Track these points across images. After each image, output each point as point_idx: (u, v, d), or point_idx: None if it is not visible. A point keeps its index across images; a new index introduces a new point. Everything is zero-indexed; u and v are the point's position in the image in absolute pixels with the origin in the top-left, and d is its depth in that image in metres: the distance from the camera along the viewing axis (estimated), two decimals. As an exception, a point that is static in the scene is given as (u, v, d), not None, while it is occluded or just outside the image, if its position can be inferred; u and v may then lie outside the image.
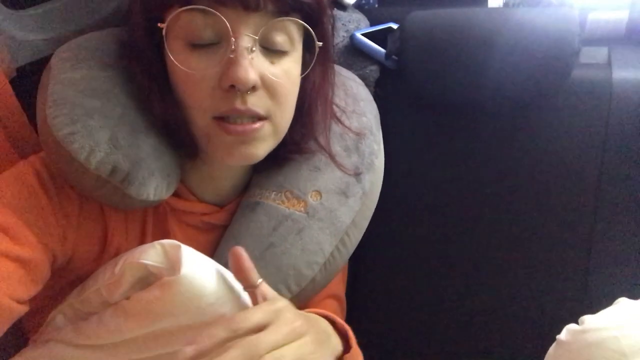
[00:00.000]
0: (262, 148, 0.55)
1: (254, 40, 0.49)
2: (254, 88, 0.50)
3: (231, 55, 0.49)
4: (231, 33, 0.48)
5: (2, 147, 0.60)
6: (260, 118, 0.53)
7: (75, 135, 0.49)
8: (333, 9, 0.63)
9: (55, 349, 0.52)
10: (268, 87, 0.52)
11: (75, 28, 0.67)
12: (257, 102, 0.51)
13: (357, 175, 0.64)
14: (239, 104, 0.50)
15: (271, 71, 0.51)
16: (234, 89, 0.49)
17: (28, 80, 0.60)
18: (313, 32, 0.53)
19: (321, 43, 0.55)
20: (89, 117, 0.50)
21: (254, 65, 0.49)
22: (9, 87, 0.61)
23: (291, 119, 0.57)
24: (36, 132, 0.61)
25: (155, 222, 0.59)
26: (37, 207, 0.51)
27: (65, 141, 0.49)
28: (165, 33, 0.51)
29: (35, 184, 0.52)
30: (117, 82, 0.54)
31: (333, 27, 0.62)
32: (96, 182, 0.51)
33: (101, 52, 0.55)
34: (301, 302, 0.62)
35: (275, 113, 0.53)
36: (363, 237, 0.66)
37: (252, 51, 0.49)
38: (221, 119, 0.52)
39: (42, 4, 0.68)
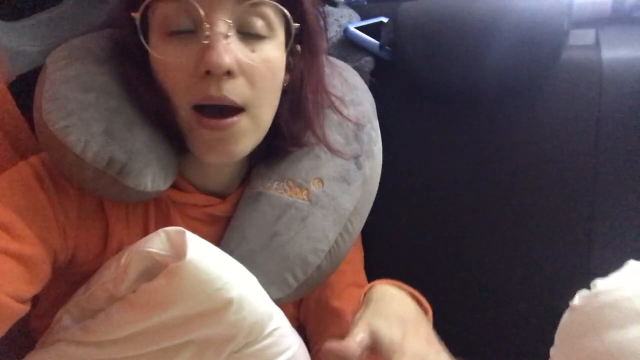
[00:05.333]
0: (243, 144, 0.54)
1: (229, 25, 0.50)
2: (229, 74, 0.50)
3: (205, 42, 0.49)
4: (204, 19, 0.49)
5: (3, 150, 0.60)
6: (237, 110, 0.52)
7: (71, 128, 0.50)
8: (324, 3, 0.64)
9: (62, 349, 0.51)
10: (246, 73, 0.51)
11: (68, 37, 0.68)
12: (233, 90, 0.51)
13: (356, 158, 0.64)
14: (213, 91, 0.50)
15: (249, 57, 0.51)
16: (210, 75, 0.49)
17: (26, 86, 0.60)
18: (288, 14, 0.53)
19: (297, 24, 0.54)
20: (83, 110, 0.51)
21: (229, 51, 0.49)
22: (7, 93, 0.61)
23: (272, 110, 0.57)
24: (35, 135, 0.62)
25: (158, 216, 0.59)
26: (36, 205, 0.51)
27: (61, 134, 0.49)
28: (140, 23, 0.51)
29: (34, 182, 0.52)
30: (110, 77, 0.54)
31: (324, 19, 0.63)
32: (93, 174, 0.51)
33: (95, 49, 0.56)
34: (308, 291, 0.61)
35: (253, 103, 0.53)
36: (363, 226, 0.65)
37: (227, 37, 0.49)
38: (200, 112, 0.52)
39: (35, 15, 0.69)
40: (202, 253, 0.47)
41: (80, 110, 0.51)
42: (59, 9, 0.72)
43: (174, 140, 0.56)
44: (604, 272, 0.49)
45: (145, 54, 0.53)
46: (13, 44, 0.64)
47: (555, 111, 0.78)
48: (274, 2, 0.52)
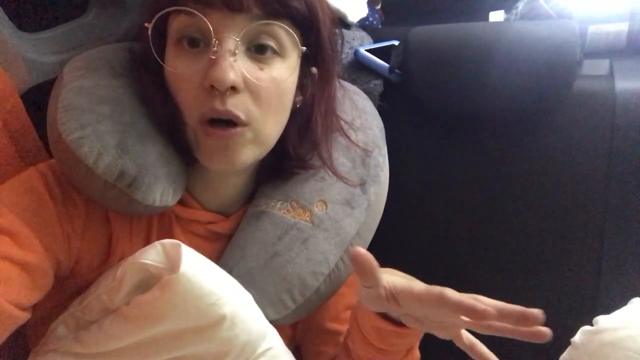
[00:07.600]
0: (245, 154, 0.54)
1: (237, 42, 0.50)
2: (234, 89, 0.50)
3: (212, 57, 0.50)
4: (213, 34, 0.49)
5: (11, 160, 0.61)
6: (240, 123, 0.52)
7: (84, 140, 0.50)
8: (339, 25, 0.64)
9: (55, 359, 0.51)
10: (251, 90, 0.52)
11: (87, 49, 0.70)
12: (237, 105, 0.51)
13: (362, 185, 0.64)
14: (217, 104, 0.50)
15: (256, 75, 0.52)
16: (214, 89, 0.50)
17: (40, 96, 0.62)
18: (296, 37, 0.53)
19: (305, 48, 0.55)
20: (98, 123, 0.51)
21: (235, 67, 0.50)
22: (18, 99, 0.62)
23: (278, 128, 0.57)
24: (45, 148, 0.62)
25: (161, 231, 0.59)
26: (43, 213, 0.52)
27: (74, 145, 0.50)
28: (158, 36, 0.52)
29: (42, 190, 0.53)
30: (126, 90, 0.55)
31: (342, 43, 0.63)
32: (103, 186, 0.51)
33: (112, 61, 0.57)
34: (305, 313, 0.60)
35: (257, 119, 0.53)
36: (368, 249, 0.64)
37: (234, 54, 0.50)
38: (208, 125, 0.52)
39: (56, 27, 0.71)
40: (197, 267, 0.47)
41: (95, 123, 0.51)
42: (79, 21, 0.74)
43: (184, 153, 0.57)
44: (613, 302, 0.47)
45: (161, 67, 0.54)
46: (32, 54, 0.66)
47: (566, 140, 0.77)
48: (284, 25, 0.52)
